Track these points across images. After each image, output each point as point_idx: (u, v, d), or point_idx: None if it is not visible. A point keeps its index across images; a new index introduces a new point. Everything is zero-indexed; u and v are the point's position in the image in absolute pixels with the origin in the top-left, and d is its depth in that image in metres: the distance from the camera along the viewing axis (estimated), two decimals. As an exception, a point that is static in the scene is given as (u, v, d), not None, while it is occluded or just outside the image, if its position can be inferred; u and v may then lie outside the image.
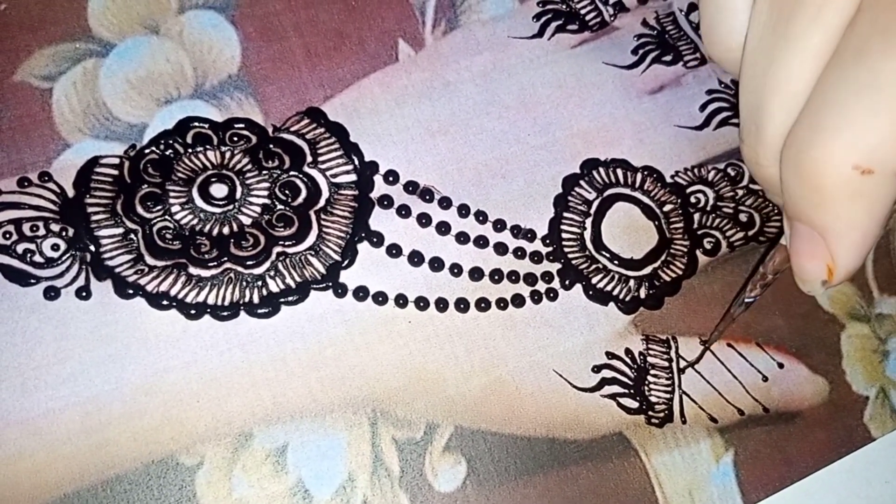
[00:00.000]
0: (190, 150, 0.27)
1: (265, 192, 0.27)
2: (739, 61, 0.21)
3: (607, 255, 0.29)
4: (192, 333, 0.26)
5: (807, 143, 0.17)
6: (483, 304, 0.28)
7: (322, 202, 0.27)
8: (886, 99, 0.16)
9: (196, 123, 0.27)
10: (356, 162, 0.28)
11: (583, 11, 0.32)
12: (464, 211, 0.28)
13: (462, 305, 0.27)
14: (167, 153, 0.27)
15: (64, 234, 0.26)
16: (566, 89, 0.30)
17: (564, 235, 0.29)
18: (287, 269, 0.26)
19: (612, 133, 0.30)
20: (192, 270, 0.26)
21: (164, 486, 0.24)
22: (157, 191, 0.26)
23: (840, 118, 0.16)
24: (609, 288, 0.29)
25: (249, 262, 0.26)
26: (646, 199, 0.30)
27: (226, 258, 0.26)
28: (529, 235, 0.29)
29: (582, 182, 0.30)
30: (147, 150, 0.27)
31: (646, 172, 0.30)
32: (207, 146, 0.27)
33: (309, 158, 0.28)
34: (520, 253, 0.28)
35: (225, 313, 0.26)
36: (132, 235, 0.26)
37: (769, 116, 0.18)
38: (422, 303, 0.27)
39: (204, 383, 0.25)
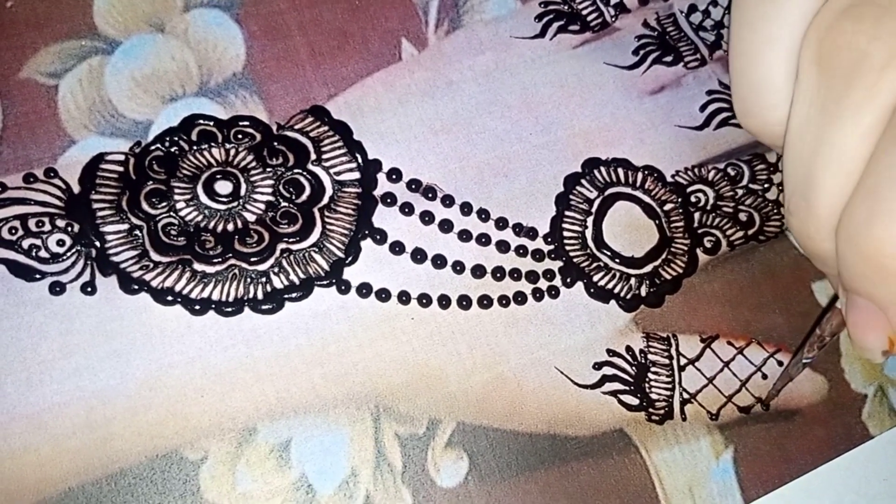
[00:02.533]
0: (195, 148, 0.27)
1: (269, 190, 0.27)
2: (776, 133, 0.21)
3: (608, 254, 0.29)
4: (196, 329, 0.26)
5: (866, 222, 0.17)
6: (485, 302, 0.28)
7: (326, 199, 0.28)
8: None
9: (201, 121, 0.28)
10: (359, 160, 0.28)
11: (584, 12, 0.32)
12: (466, 209, 0.28)
13: (464, 302, 0.28)
14: (172, 150, 0.27)
15: (69, 229, 0.26)
16: (568, 89, 0.31)
17: (566, 234, 0.29)
18: (291, 266, 0.27)
19: (614, 132, 0.31)
20: (197, 266, 0.26)
21: (168, 481, 0.25)
22: (162, 187, 0.27)
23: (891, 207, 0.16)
24: (610, 286, 0.29)
25: (253, 259, 0.26)
26: (647, 198, 0.30)
27: (230, 254, 0.26)
28: (531, 233, 0.29)
29: (583, 181, 0.30)
30: (152, 147, 0.27)
31: (647, 172, 0.30)
32: (212, 143, 0.27)
33: (313, 156, 0.28)
34: (522, 251, 0.29)
35: (229, 309, 0.26)
36: (137, 231, 0.26)
37: (822, 193, 0.18)
38: (424, 300, 0.27)
39: (208, 379, 0.25)
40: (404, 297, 0.27)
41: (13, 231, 0.25)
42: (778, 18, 0.20)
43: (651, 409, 0.28)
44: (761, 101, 0.20)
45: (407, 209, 0.28)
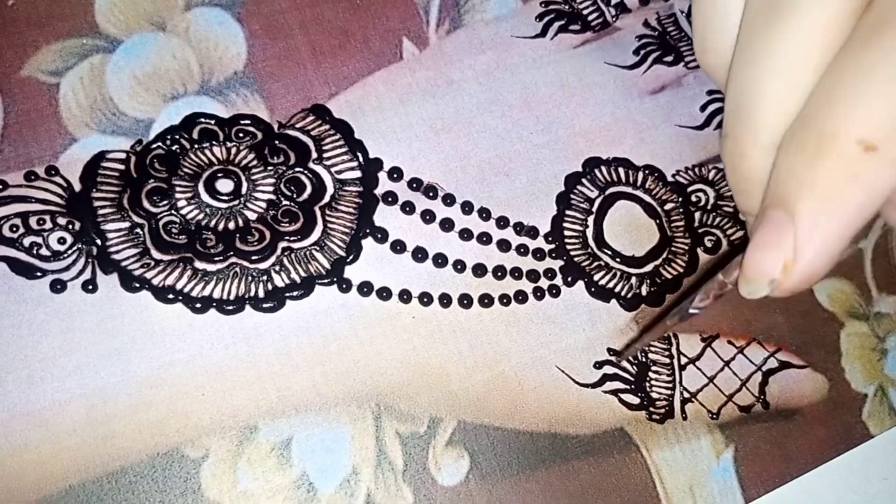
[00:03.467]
0: (196, 146, 0.27)
1: (270, 188, 0.27)
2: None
3: (609, 253, 0.29)
4: (197, 327, 0.26)
5: (815, 116, 0.16)
6: (486, 301, 0.28)
7: (327, 198, 0.28)
8: None
9: (202, 119, 0.28)
10: (360, 159, 0.28)
11: (585, 12, 0.32)
12: (467, 208, 0.28)
13: (465, 301, 0.28)
14: (173, 148, 0.27)
15: (70, 227, 0.26)
16: (568, 89, 0.31)
17: (567, 233, 0.29)
18: (292, 264, 0.27)
19: (614, 132, 0.31)
20: (198, 265, 0.26)
21: (169, 479, 0.25)
22: (163, 185, 0.27)
23: (853, 92, 0.15)
24: (611, 285, 0.29)
25: (255, 257, 0.26)
26: (647, 198, 0.30)
27: (231, 253, 0.26)
28: (532, 232, 0.29)
29: (584, 180, 0.30)
30: (153, 146, 0.27)
31: (647, 171, 0.30)
32: (213, 142, 0.27)
33: (314, 155, 0.28)
34: (522, 250, 0.29)
35: (230, 307, 0.26)
36: (138, 229, 0.26)
37: (763, 101, 0.17)
38: (425, 298, 0.27)
39: (209, 377, 0.25)
40: (405, 296, 0.27)
41: (14, 229, 0.25)
42: None
43: (652, 408, 0.28)
44: (717, 30, 0.19)
45: (408, 208, 0.28)
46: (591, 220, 0.29)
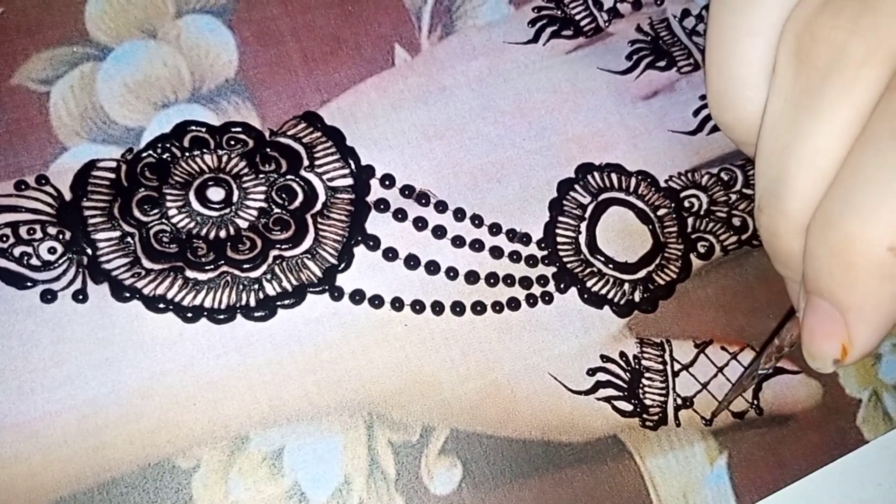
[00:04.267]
0: (187, 154, 0.27)
1: (262, 196, 0.27)
2: (750, 129, 0.21)
3: (602, 259, 0.29)
4: (188, 337, 0.26)
5: (839, 218, 0.17)
6: (479, 308, 0.28)
7: (319, 206, 0.28)
8: None
9: (193, 127, 0.28)
10: (352, 166, 0.28)
11: (577, 17, 0.32)
12: (459, 215, 0.28)
13: (458, 309, 0.28)
14: (164, 157, 0.27)
15: (61, 237, 0.26)
16: (561, 94, 0.31)
17: (559, 239, 0.29)
18: (283, 273, 0.27)
19: (607, 138, 0.31)
20: (189, 274, 0.26)
21: (161, 490, 0.24)
22: (154, 194, 0.26)
23: (877, 198, 0.16)
24: (604, 291, 0.29)
25: (246, 266, 0.26)
26: (640, 204, 0.30)
27: (222, 261, 0.26)
28: (525, 239, 0.29)
29: (577, 186, 0.30)
30: (144, 154, 0.27)
31: (640, 177, 0.30)
32: (204, 150, 0.27)
33: (306, 162, 0.28)
34: (515, 256, 0.29)
35: (221, 316, 0.26)
36: (129, 239, 0.26)
37: (793, 190, 0.18)
38: (418, 306, 0.27)
39: (200, 386, 0.25)
40: (397, 304, 0.27)
41: (4, 239, 0.25)
42: (757, 10, 0.19)
43: (645, 415, 0.28)
44: (737, 94, 0.20)
45: (400, 215, 0.28)
46: (583, 226, 0.29)
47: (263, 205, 0.27)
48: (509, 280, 0.28)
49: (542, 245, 0.29)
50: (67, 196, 0.26)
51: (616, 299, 0.29)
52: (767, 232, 0.20)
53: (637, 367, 0.28)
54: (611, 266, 0.29)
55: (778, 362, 0.25)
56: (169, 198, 0.27)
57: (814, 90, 0.18)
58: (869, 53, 0.17)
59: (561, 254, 0.29)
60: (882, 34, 0.17)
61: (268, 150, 0.28)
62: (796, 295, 0.21)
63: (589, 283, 0.29)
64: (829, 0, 0.18)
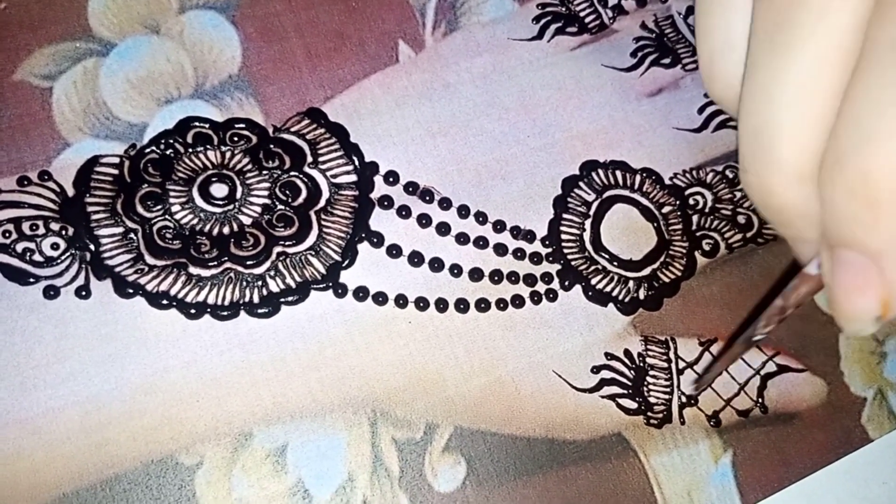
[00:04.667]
0: (190, 150, 0.27)
1: (265, 192, 0.27)
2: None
3: (606, 257, 0.29)
4: (191, 333, 0.25)
5: (853, 155, 0.15)
6: (483, 305, 0.28)
7: (322, 202, 0.27)
8: None
9: (196, 123, 0.27)
10: (356, 162, 0.28)
11: (582, 14, 0.32)
12: (464, 212, 0.28)
13: (462, 306, 0.27)
14: (167, 153, 0.27)
15: (64, 233, 0.26)
16: (565, 91, 0.31)
17: (564, 236, 0.29)
18: (287, 269, 0.26)
19: (612, 135, 0.30)
20: (193, 270, 0.26)
21: (164, 486, 0.24)
22: (157, 190, 0.26)
23: (889, 121, 0.14)
24: (608, 289, 0.29)
25: (249, 262, 0.26)
26: (645, 201, 0.30)
27: (226, 258, 0.26)
28: (529, 236, 0.29)
29: (581, 183, 0.30)
30: (147, 150, 0.27)
31: (644, 174, 0.30)
32: (208, 146, 0.27)
33: (309, 159, 0.28)
34: (519, 254, 0.28)
35: (225, 313, 0.26)
36: (132, 235, 0.26)
37: (780, 135, 0.17)
38: (422, 303, 0.27)
39: (204, 383, 0.25)
40: (401, 301, 0.27)
41: (7, 234, 0.25)
42: None
43: (650, 413, 0.28)
44: (724, 59, 0.19)
45: (404, 212, 0.28)
46: (588, 223, 0.29)
47: (267, 201, 0.27)
48: (513, 277, 0.28)
49: (547, 242, 0.29)
50: (70, 192, 0.26)
51: (621, 297, 0.29)
52: (759, 191, 0.18)
53: (641, 364, 0.28)
54: (615, 263, 0.29)
55: (779, 325, 0.22)
56: (172, 194, 0.26)
57: (787, 20, 0.16)
58: None
59: (565, 251, 0.29)
60: None
61: (271, 146, 0.28)
62: (807, 254, 0.19)
63: (593, 281, 0.29)
64: None
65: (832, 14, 0.15)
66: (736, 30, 0.18)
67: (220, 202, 0.27)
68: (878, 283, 0.16)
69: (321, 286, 0.27)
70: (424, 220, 0.28)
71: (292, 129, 0.28)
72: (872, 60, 0.15)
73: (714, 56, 0.19)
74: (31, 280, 0.25)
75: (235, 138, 0.27)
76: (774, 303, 0.21)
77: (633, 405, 0.28)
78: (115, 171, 0.26)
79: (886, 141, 0.14)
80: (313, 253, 0.27)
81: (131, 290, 0.25)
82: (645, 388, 0.28)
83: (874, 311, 0.16)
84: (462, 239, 0.28)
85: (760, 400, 0.29)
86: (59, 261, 0.25)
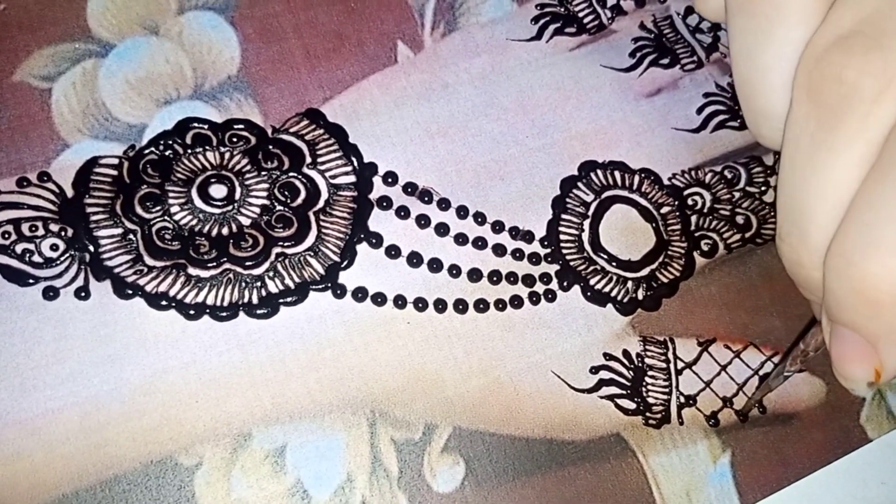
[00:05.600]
0: (189, 151, 0.27)
1: (264, 193, 0.27)
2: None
3: (605, 257, 0.29)
4: (191, 334, 0.26)
5: (857, 254, 0.17)
6: (481, 305, 0.28)
7: (321, 203, 0.27)
8: None
9: (195, 124, 0.27)
10: (355, 163, 0.28)
11: (581, 14, 0.32)
12: (462, 212, 0.28)
13: (460, 306, 0.27)
14: (166, 154, 0.27)
15: (63, 234, 0.26)
16: (564, 92, 0.31)
17: (562, 237, 0.29)
18: (286, 270, 0.27)
19: (610, 135, 0.30)
20: (192, 271, 0.26)
21: (163, 487, 0.24)
22: (156, 191, 0.26)
23: (893, 232, 0.16)
24: (607, 289, 0.29)
25: (248, 263, 0.26)
26: (643, 202, 0.30)
27: (225, 259, 0.26)
28: (528, 237, 0.29)
29: (580, 184, 0.30)
30: (146, 151, 0.27)
31: (643, 175, 0.30)
32: (207, 147, 0.27)
33: (308, 159, 0.28)
34: (518, 254, 0.28)
35: (224, 314, 0.26)
36: (131, 236, 0.26)
37: (813, 222, 0.18)
38: (420, 304, 0.27)
39: (203, 384, 0.25)
40: (400, 301, 0.27)
41: (6, 235, 0.25)
42: (770, 48, 0.20)
43: (648, 413, 0.28)
44: (767, 124, 0.21)
45: (403, 213, 0.28)
46: (586, 223, 0.29)
47: (266, 202, 0.27)
48: (512, 278, 0.28)
49: (546, 243, 0.29)
50: (69, 193, 0.26)
51: (619, 297, 0.29)
52: (790, 261, 0.20)
53: (640, 365, 0.28)
54: (614, 264, 0.29)
55: (804, 364, 0.25)
56: (171, 195, 0.27)
57: (828, 127, 0.18)
58: (880, 90, 0.17)
59: (564, 251, 0.29)
60: (891, 72, 0.17)
61: (270, 147, 0.28)
62: (819, 311, 0.21)
63: (592, 281, 0.29)
64: (840, 38, 0.18)
65: (870, 127, 0.17)
66: (778, 100, 0.21)
67: (219, 203, 0.27)
68: (871, 358, 0.18)
69: (320, 287, 0.27)
70: (423, 221, 0.28)
71: (291, 130, 0.28)
72: (883, 173, 0.17)
73: (758, 119, 0.22)
74: (31, 281, 0.25)
75: (234, 139, 0.28)
76: (798, 346, 0.25)
77: (631, 405, 0.28)
78: (115, 172, 0.26)
79: (889, 249, 0.16)
80: (312, 254, 0.27)
81: (130, 291, 0.25)
82: (643, 389, 0.28)
83: (868, 378, 0.19)
84: (461, 239, 0.28)
85: (759, 400, 0.29)
86: (58, 262, 0.25)
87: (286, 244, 0.27)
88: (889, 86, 0.17)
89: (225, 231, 0.26)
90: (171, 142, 0.27)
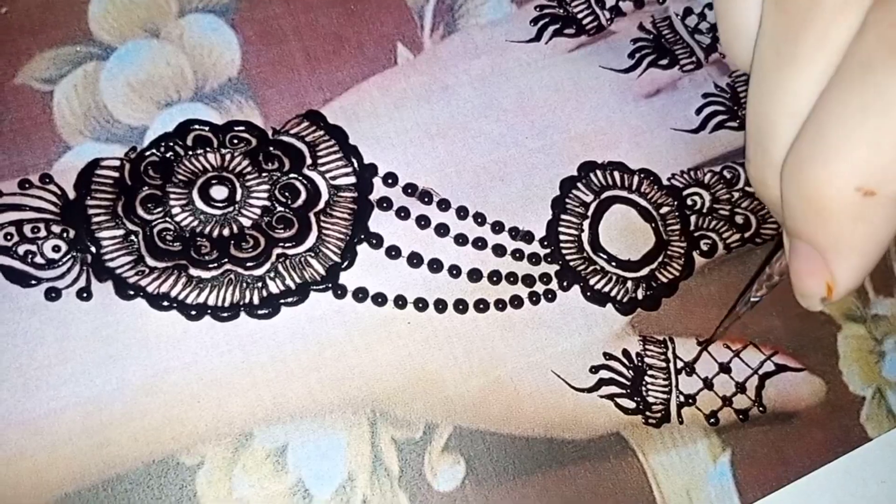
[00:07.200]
0: (190, 153, 0.27)
1: (265, 194, 0.27)
2: None
3: (605, 257, 0.29)
4: (192, 334, 0.26)
5: (808, 162, 0.17)
6: (482, 306, 0.28)
7: (322, 204, 0.28)
8: (892, 119, 0.15)
9: (196, 126, 0.28)
10: (355, 164, 0.28)
11: (580, 16, 0.32)
12: (462, 213, 0.28)
13: (461, 306, 0.28)
14: (168, 155, 0.27)
15: (65, 235, 0.26)
16: (563, 93, 0.31)
17: (562, 237, 0.29)
18: (287, 271, 0.27)
19: (610, 136, 0.31)
20: (193, 272, 0.26)
21: (165, 486, 0.24)
22: (157, 193, 0.27)
23: (843, 138, 0.16)
24: (607, 289, 0.29)
25: (249, 264, 0.26)
26: (643, 202, 0.30)
27: (226, 259, 0.26)
28: (527, 237, 0.29)
29: (579, 184, 0.30)
30: (147, 153, 0.27)
31: (642, 175, 0.30)
32: (207, 148, 0.27)
33: (308, 161, 0.28)
34: (518, 254, 0.29)
35: (225, 314, 0.26)
36: (133, 237, 0.26)
37: (776, 138, 0.18)
38: (421, 304, 0.27)
39: (204, 384, 0.25)
40: (400, 302, 0.27)
41: (9, 237, 0.25)
42: None
43: (648, 413, 0.28)
44: (741, 42, 0.20)
45: (403, 213, 0.28)
46: (586, 224, 0.29)
47: (267, 203, 0.27)
48: (512, 278, 0.28)
49: (545, 243, 0.29)
50: (71, 195, 0.26)
51: (619, 297, 0.29)
52: (756, 181, 0.20)
53: (640, 364, 0.28)
54: (614, 264, 0.29)
55: (770, 291, 0.25)
56: (172, 196, 0.27)
57: (792, 37, 0.18)
58: (844, 2, 0.17)
59: (564, 251, 0.29)
60: None
61: (271, 148, 0.28)
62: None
63: (592, 281, 0.29)
64: None
65: (834, 33, 0.17)
66: (753, 14, 0.20)
67: (220, 204, 0.27)
68: (823, 271, 0.18)
69: (321, 287, 0.27)
70: (423, 222, 0.28)
71: (291, 132, 0.28)
72: (845, 76, 0.16)
73: (733, 36, 0.21)
74: (33, 282, 0.25)
75: (235, 141, 0.28)
76: (764, 271, 0.25)
77: (631, 405, 0.28)
78: (116, 174, 0.27)
79: (841, 157, 0.16)
80: (313, 254, 0.27)
81: (132, 292, 0.26)
82: (643, 388, 0.28)
83: (821, 292, 0.18)
84: (461, 240, 0.28)
85: (759, 399, 0.29)
86: (60, 263, 0.25)
87: (287, 245, 0.27)
88: None
89: (226, 232, 0.27)
90: (172, 143, 0.27)
